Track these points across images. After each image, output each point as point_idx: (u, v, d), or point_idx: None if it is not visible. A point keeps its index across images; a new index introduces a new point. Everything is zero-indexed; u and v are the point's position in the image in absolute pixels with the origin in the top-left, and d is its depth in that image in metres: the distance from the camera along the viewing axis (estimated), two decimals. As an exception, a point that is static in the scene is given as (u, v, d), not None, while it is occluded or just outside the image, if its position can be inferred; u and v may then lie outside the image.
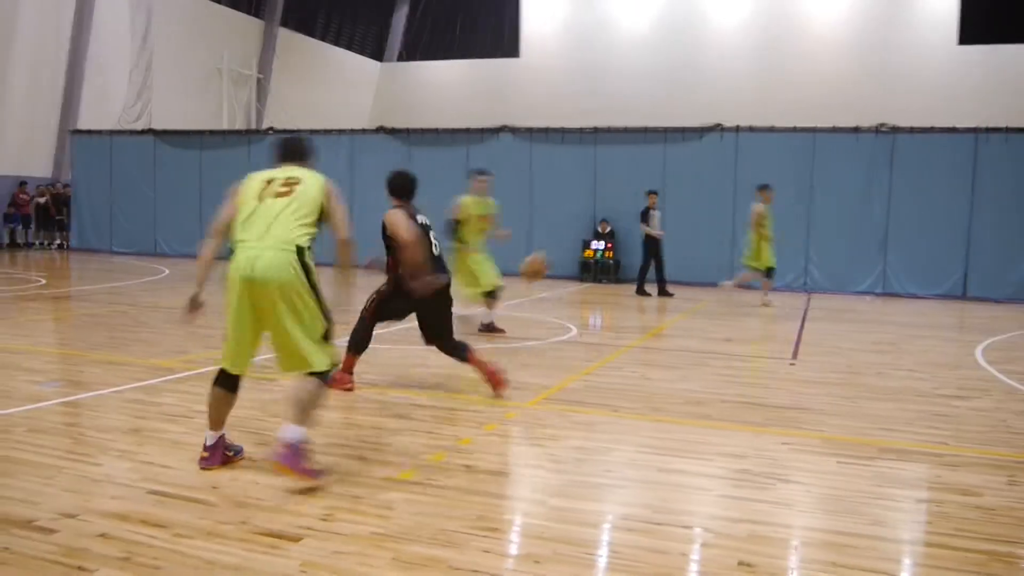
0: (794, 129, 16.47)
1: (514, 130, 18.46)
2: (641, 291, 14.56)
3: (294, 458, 4.08)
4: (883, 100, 27.65)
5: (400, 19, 36.38)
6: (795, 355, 8.73)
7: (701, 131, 16.86)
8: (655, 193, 14.66)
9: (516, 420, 5.75)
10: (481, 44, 34.58)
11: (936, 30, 31.02)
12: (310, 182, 4.42)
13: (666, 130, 17.37)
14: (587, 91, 30.60)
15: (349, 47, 34.47)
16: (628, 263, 16.78)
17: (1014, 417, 6.18)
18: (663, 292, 14.44)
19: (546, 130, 18.30)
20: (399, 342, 8.50)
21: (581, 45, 32.13)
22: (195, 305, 4.50)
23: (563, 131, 18.18)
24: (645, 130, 17.66)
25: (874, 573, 3.41)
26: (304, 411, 4.19)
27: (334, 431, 5.22)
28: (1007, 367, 8.26)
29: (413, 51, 35.90)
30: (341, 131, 20.13)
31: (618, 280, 16.74)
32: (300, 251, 4.22)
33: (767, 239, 13.04)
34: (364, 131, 20.54)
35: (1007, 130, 15.40)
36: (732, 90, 29.55)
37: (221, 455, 4.44)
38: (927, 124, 16.28)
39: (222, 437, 4.45)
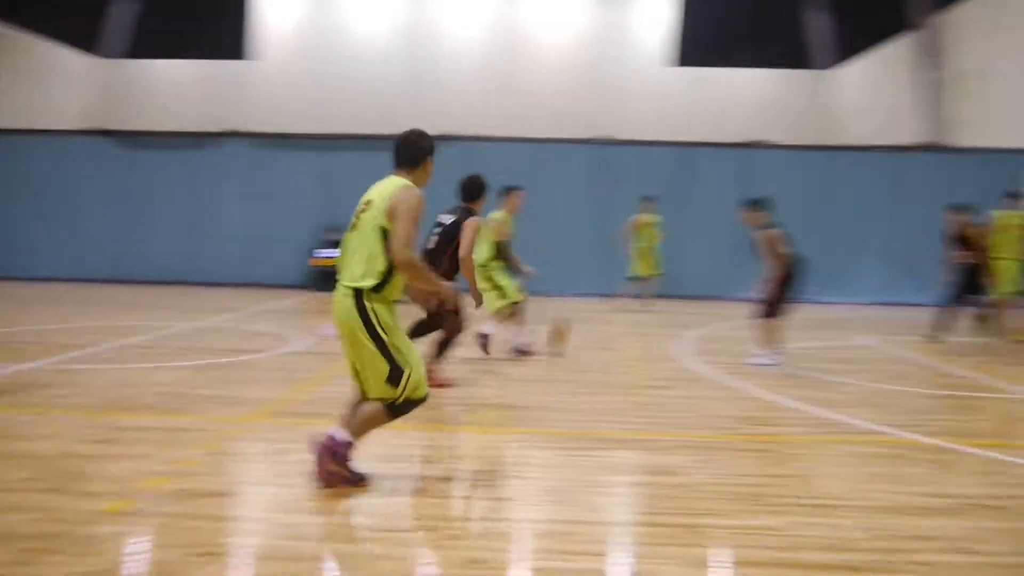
0: (521, 139, 17.25)
1: (244, 135, 17.80)
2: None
3: (326, 451, 4.28)
4: (603, 115, 29.70)
5: (123, 11, 33.79)
6: (524, 356, 9.11)
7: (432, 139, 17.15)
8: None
9: (244, 437, 5.53)
10: (214, 44, 32.86)
11: (652, 52, 33.83)
12: (376, 204, 4.24)
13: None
14: (321, 97, 30.15)
15: (60, 40, 31.41)
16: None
17: (708, 402, 6.87)
18: None
19: (277, 136, 17.82)
20: (113, 361, 7.90)
21: (316, 50, 31.56)
22: None
23: (295, 137, 17.79)
24: (378, 137, 17.71)
25: (593, 555, 3.65)
26: (359, 423, 4.34)
27: (38, 462, 4.73)
28: (703, 357, 9.16)
29: (140, 48, 33.41)
30: (51, 132, 18.34)
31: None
32: (359, 294, 4.19)
33: (651, 247, 14.32)
34: (79, 132, 18.86)
35: (705, 145, 17.17)
36: (463, 100, 30.40)
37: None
38: (644, 138, 17.74)
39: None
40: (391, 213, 4.19)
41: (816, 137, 24.47)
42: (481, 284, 8.20)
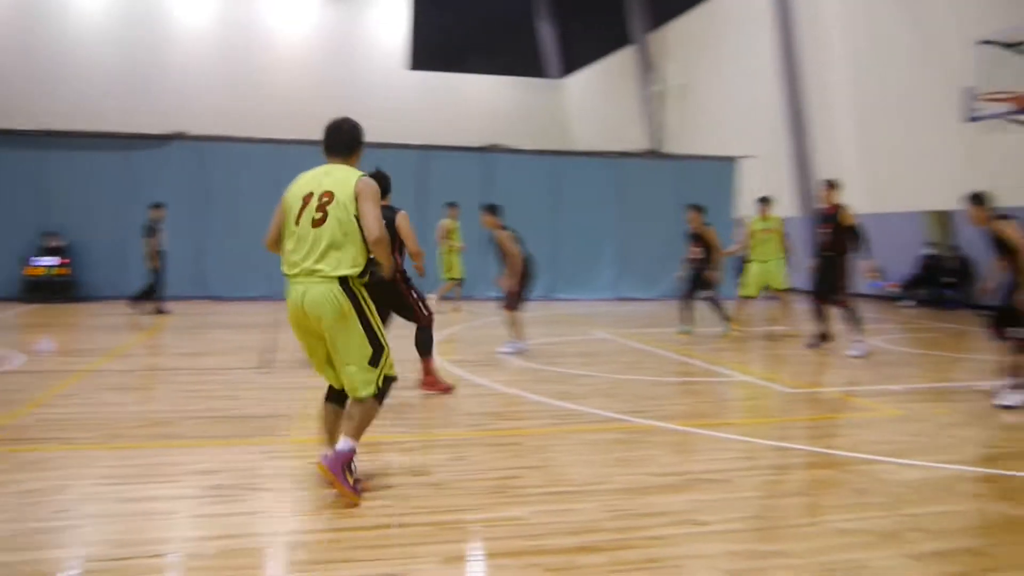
0: (262, 140, 16.63)
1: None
2: (160, 310, 13.53)
3: (337, 464, 4.28)
4: (341, 116, 29.35)
5: None
6: (268, 363, 8.80)
7: (163, 139, 16.11)
8: (160, 207, 13.74)
9: (-55, 469, 4.89)
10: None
11: (388, 55, 33.91)
12: (340, 197, 4.31)
13: (128, 136, 16.31)
14: (37, 91, 27.34)
15: None
16: (88, 280, 15.41)
17: (457, 400, 7.01)
18: (160, 310, 13.53)
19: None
20: None
21: (27, 39, 28.52)
22: None
23: (5, 134, 15.98)
24: (102, 135, 16.38)
25: (351, 562, 3.59)
26: (355, 427, 4.41)
27: None
28: (451, 357, 9.34)
29: None
30: None
31: (75, 299, 15.16)
32: (344, 280, 4.27)
33: (455, 251, 14.46)
34: None
35: (449, 148, 17.50)
36: (197, 97, 28.87)
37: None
38: (381, 140, 17.67)
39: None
40: (358, 199, 4.33)
41: (550, 142, 25.73)
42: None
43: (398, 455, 5.31)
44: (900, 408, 6.94)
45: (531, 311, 15.04)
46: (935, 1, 17.35)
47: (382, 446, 5.51)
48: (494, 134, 28.42)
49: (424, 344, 7.34)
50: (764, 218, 12.22)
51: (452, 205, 14.88)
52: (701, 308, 12.03)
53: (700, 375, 8.67)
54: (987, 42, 12.62)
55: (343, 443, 4.38)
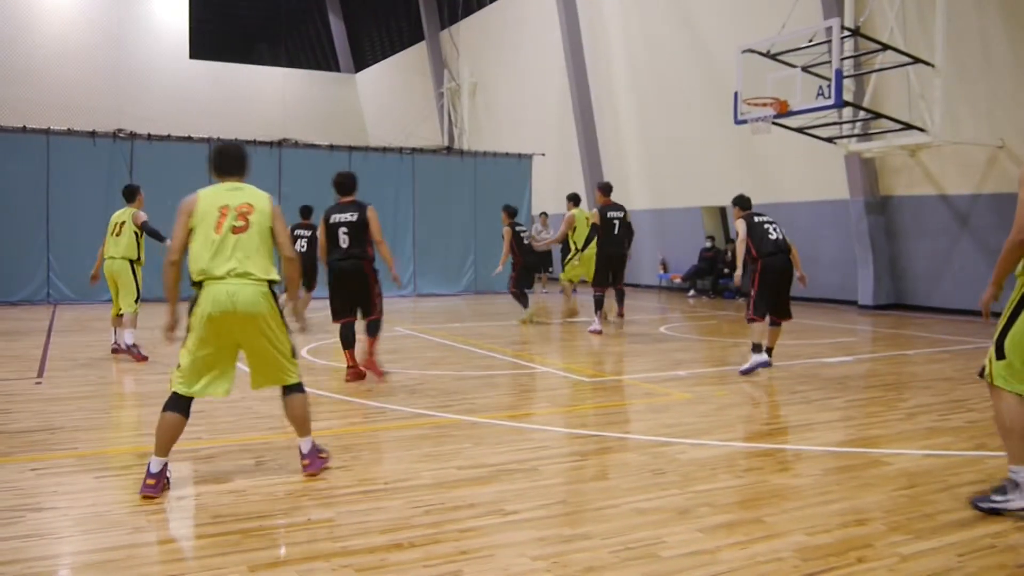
0: (23, 129, 15.25)
1: None
2: None
3: (317, 461, 4.81)
4: (120, 105, 27.49)
5: None
6: (41, 373, 8.11)
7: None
8: None
9: None
10: None
11: (169, 43, 32.04)
12: (260, 208, 4.69)
13: None
14: None
15: None
16: None
17: (257, 403, 6.74)
18: None
19: None
20: None
21: None
22: (172, 328, 4.68)
23: None
24: None
25: (138, 582, 3.36)
26: (305, 423, 4.82)
27: None
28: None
29: None
30: None
31: None
32: (271, 285, 4.64)
33: None
34: None
35: (236, 141, 16.74)
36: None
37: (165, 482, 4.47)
38: (164, 132, 16.71)
39: (166, 464, 4.49)
40: (275, 217, 4.74)
41: (344, 137, 25.29)
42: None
43: (194, 463, 5.05)
44: (688, 392, 7.41)
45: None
46: (703, 10, 18.62)
47: (177, 454, 5.21)
48: (286, 128, 27.64)
49: (375, 330, 7.75)
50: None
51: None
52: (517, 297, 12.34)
53: (503, 368, 8.85)
54: (750, 51, 13.68)
55: (305, 444, 4.80)
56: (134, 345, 9.07)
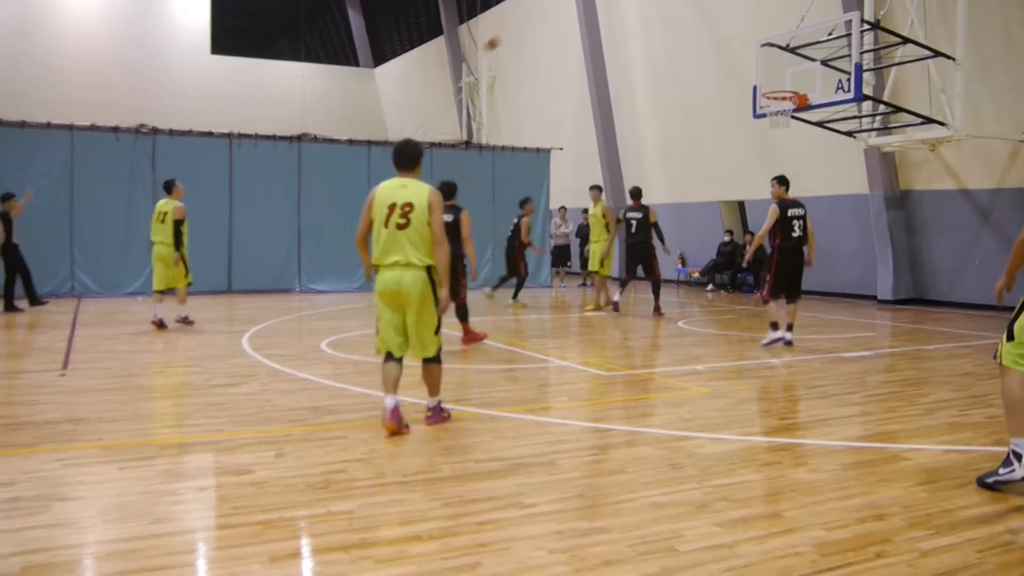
0: (48, 125, 15.40)
1: None
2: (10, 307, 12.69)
3: (438, 418, 5.87)
4: (142, 101, 27.71)
5: None
6: (66, 365, 8.22)
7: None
8: (8, 197, 12.72)
9: None
10: None
11: (190, 39, 32.21)
12: (419, 206, 5.50)
13: None
14: None
15: None
16: None
17: (278, 396, 6.82)
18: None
19: None
20: None
21: None
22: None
23: None
24: None
25: (171, 568, 3.41)
26: (435, 386, 5.86)
27: None
28: (269, 352, 9.07)
29: None
30: None
31: None
32: (429, 269, 5.54)
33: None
34: None
35: (256, 136, 16.87)
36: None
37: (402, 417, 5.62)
38: (185, 127, 16.84)
39: (398, 404, 5.61)
40: (431, 210, 5.51)
41: (363, 132, 25.36)
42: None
43: (216, 455, 5.11)
44: (706, 387, 7.41)
45: (355, 300, 14.87)
46: (724, 6, 18.53)
47: (197, 446, 5.28)
48: (305, 122, 27.75)
49: (463, 314, 9.74)
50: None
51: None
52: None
53: (522, 362, 8.87)
54: (769, 44, 13.60)
55: (432, 401, 5.87)
56: (185, 317, 11.20)
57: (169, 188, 11.07)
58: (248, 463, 4.87)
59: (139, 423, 5.91)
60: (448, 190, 9.19)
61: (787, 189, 9.77)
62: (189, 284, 11.22)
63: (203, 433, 5.58)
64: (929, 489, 4.51)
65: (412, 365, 5.93)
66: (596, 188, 14.31)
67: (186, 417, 6.04)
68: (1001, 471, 4.44)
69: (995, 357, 4.53)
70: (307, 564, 3.55)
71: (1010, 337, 4.44)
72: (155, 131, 16.09)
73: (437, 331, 5.70)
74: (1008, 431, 4.47)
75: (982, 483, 4.50)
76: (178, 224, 10.67)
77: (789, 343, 9.71)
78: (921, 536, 3.83)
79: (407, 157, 5.76)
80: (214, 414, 6.15)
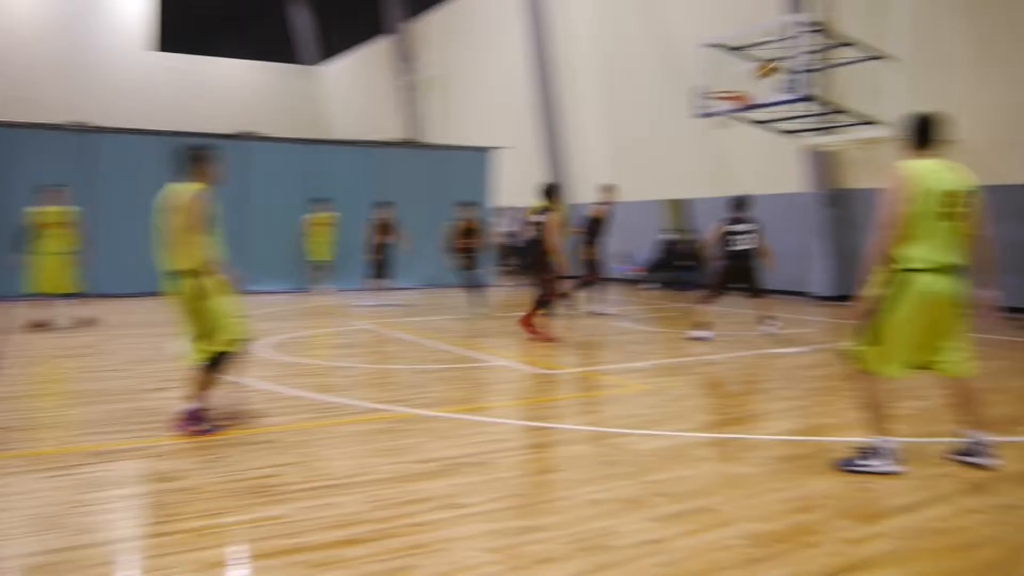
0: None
1: None
2: None
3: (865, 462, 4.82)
4: (80, 99, 27.04)
5: None
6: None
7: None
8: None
9: None
10: None
11: (129, 35, 31.53)
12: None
13: None
14: None
15: None
16: None
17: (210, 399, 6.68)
18: None
19: None
20: None
21: None
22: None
23: None
24: None
25: (87, 581, 3.33)
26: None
27: None
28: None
29: None
30: None
31: None
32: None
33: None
34: None
35: (199, 135, 16.55)
36: None
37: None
38: (127, 125, 16.47)
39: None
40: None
41: (306, 130, 25.11)
42: None
43: (145, 461, 4.99)
44: (644, 383, 7.47)
45: (287, 303, 14.69)
46: (670, 6, 18.72)
47: (124, 453, 5.15)
48: (247, 121, 27.32)
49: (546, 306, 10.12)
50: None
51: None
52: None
53: (459, 362, 8.85)
54: (713, 45, 13.78)
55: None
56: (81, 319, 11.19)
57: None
58: (177, 469, 4.77)
59: (62, 430, 5.76)
60: (547, 191, 10.12)
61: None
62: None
63: (131, 439, 5.45)
64: (857, 480, 4.61)
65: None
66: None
67: (113, 423, 5.89)
68: (863, 462, 4.74)
69: (846, 359, 4.84)
70: (239, 571, 3.49)
71: (870, 342, 4.69)
72: (98, 129, 15.71)
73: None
74: (873, 431, 4.76)
75: (845, 466, 4.78)
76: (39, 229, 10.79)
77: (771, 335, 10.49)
78: (848, 526, 3.91)
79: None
80: (143, 419, 6.02)
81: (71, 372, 8.08)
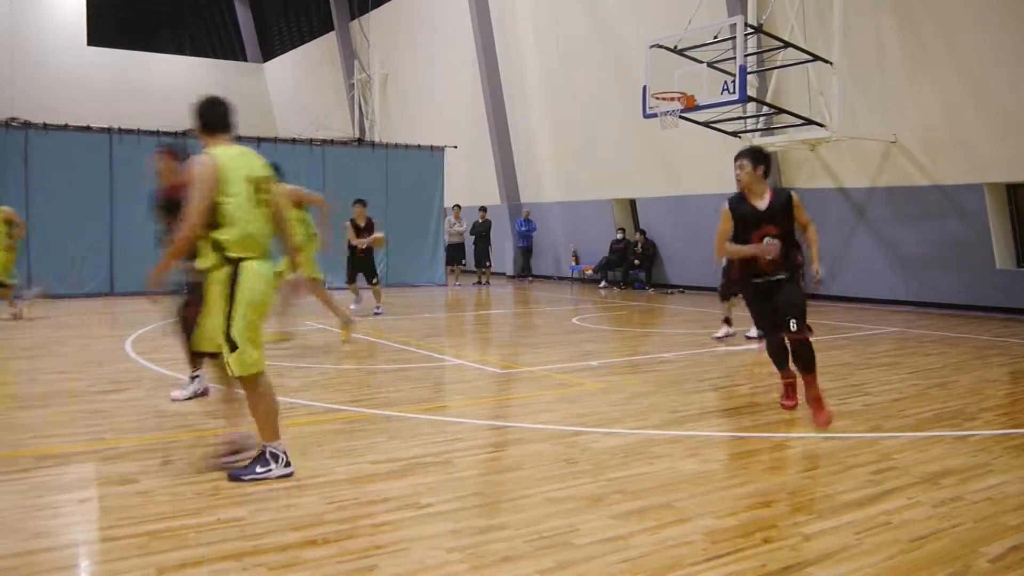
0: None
1: None
2: None
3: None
4: (12, 94, 26.26)
5: None
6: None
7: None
8: None
9: None
10: None
11: (65, 29, 30.74)
12: None
13: None
14: None
15: None
16: None
17: (164, 402, 6.57)
18: None
19: None
20: None
21: None
22: None
23: None
24: None
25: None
26: None
27: None
28: (154, 356, 8.74)
29: None
30: None
31: None
32: None
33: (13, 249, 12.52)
34: None
35: (139, 132, 16.20)
36: None
37: None
38: (61, 122, 16.05)
39: None
40: None
41: (252, 128, 24.67)
42: None
43: (98, 464, 4.88)
44: (600, 382, 7.53)
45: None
46: (615, 7, 18.87)
47: (76, 456, 5.03)
48: (187, 117, 26.82)
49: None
50: None
51: None
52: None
53: (417, 361, 8.82)
54: (658, 46, 13.94)
55: None
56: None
57: None
58: (132, 472, 4.68)
59: (12, 433, 5.60)
60: None
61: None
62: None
63: (83, 442, 5.33)
64: (812, 475, 4.71)
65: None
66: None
67: (65, 426, 5.75)
68: (259, 469, 4.53)
69: (231, 371, 4.53)
70: (197, 574, 3.43)
71: (234, 347, 4.46)
72: (27, 125, 15.28)
73: None
74: (264, 437, 4.58)
75: (239, 478, 4.51)
76: None
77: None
78: (804, 520, 3.99)
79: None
80: (95, 422, 5.88)
81: (19, 374, 7.85)
